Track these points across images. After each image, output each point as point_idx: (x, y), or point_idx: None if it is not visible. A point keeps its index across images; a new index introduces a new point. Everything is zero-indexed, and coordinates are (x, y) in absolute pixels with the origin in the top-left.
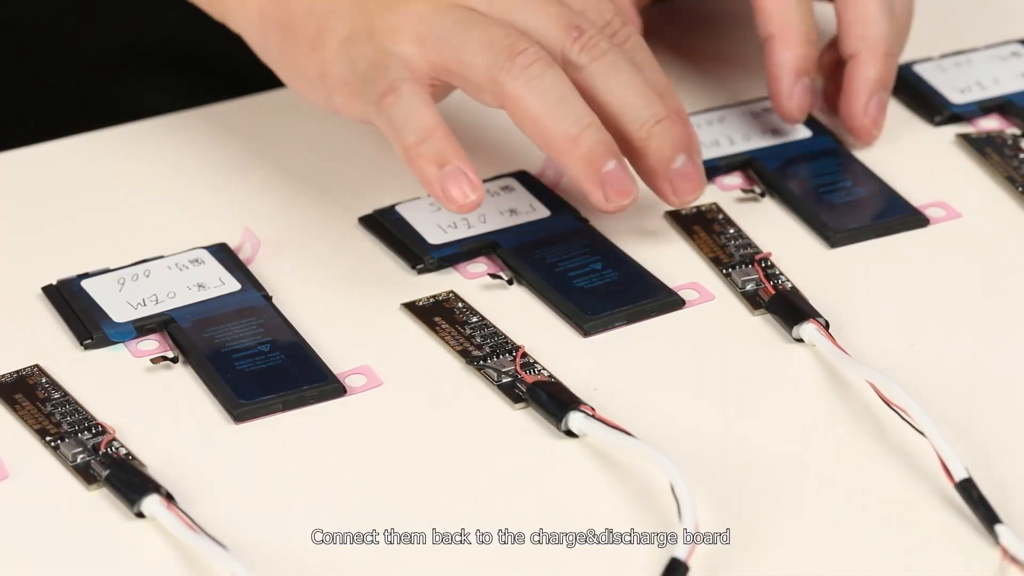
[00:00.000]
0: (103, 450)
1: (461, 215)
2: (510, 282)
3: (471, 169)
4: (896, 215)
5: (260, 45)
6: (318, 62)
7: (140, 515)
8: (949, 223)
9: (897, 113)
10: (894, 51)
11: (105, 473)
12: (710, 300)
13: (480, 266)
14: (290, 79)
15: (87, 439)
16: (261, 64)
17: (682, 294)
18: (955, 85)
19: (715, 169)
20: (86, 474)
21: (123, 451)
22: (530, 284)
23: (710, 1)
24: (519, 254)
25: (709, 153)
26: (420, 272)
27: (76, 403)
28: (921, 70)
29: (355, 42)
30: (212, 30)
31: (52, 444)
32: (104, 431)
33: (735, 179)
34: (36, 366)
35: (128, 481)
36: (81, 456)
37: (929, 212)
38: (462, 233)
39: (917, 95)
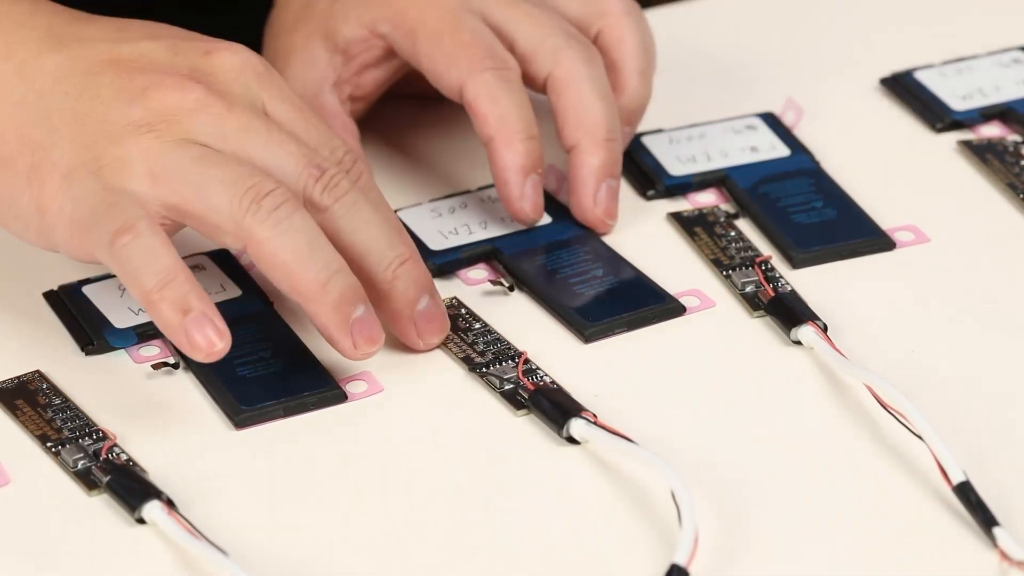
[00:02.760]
0: (104, 456)
1: (461, 223)
2: (511, 288)
3: (215, 314)
4: (862, 237)
5: None
6: (36, 197)
7: (141, 521)
8: (918, 246)
9: (899, 120)
10: (614, 135)
11: (106, 479)
12: (711, 307)
13: (481, 272)
14: (3, 215)
15: (88, 445)
16: None
17: (683, 300)
18: (956, 92)
19: (688, 186)
20: (87, 480)
21: (124, 457)
22: (531, 290)
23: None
24: (520, 260)
25: (685, 169)
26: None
27: (77, 409)
28: (922, 77)
29: (79, 176)
30: None
31: (53, 450)
32: (105, 437)
33: (709, 196)
34: (37, 372)
35: (129, 487)
36: (82, 462)
37: (899, 236)
38: (463, 239)
39: (918, 102)
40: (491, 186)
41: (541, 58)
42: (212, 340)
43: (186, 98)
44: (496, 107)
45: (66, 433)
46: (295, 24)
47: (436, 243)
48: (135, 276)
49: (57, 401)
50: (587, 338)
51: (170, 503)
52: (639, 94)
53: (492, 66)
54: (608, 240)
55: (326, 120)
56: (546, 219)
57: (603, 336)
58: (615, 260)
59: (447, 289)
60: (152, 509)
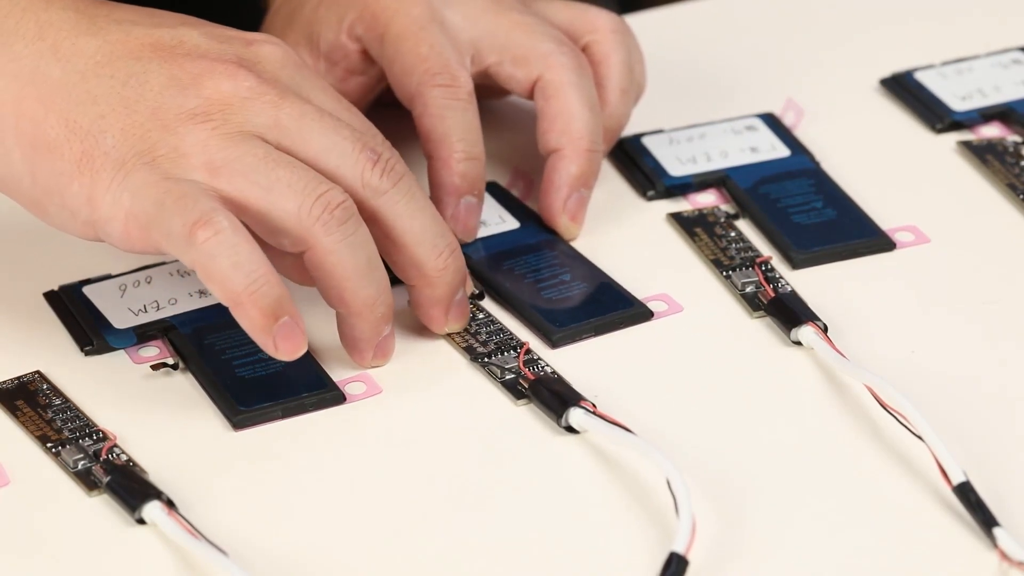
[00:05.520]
0: (104, 456)
1: None
2: (480, 296)
3: (300, 319)
4: (862, 238)
5: None
6: (87, 188)
7: (141, 521)
8: (918, 247)
9: (899, 120)
10: (596, 147)
11: (106, 479)
12: (678, 312)
13: None
14: (43, 204)
15: (88, 445)
16: None
17: (651, 305)
18: (956, 92)
19: (688, 186)
20: (87, 480)
21: (124, 457)
22: (499, 295)
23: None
24: (488, 265)
25: (685, 169)
26: (394, 284)
27: (77, 409)
28: (922, 77)
29: (133, 167)
30: None
31: (53, 450)
32: (105, 437)
33: (709, 196)
34: (37, 372)
35: (129, 487)
36: (82, 462)
37: (899, 236)
38: None
39: (918, 102)
40: None
41: (532, 62)
42: (298, 347)
43: (240, 86)
44: (439, 125)
45: (66, 433)
46: (283, 31)
47: None
48: (222, 273)
49: (57, 402)
50: (554, 343)
51: (170, 503)
52: (618, 112)
53: (441, 82)
54: (607, 241)
55: None
56: (515, 224)
57: (570, 341)
58: (583, 264)
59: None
60: (152, 509)
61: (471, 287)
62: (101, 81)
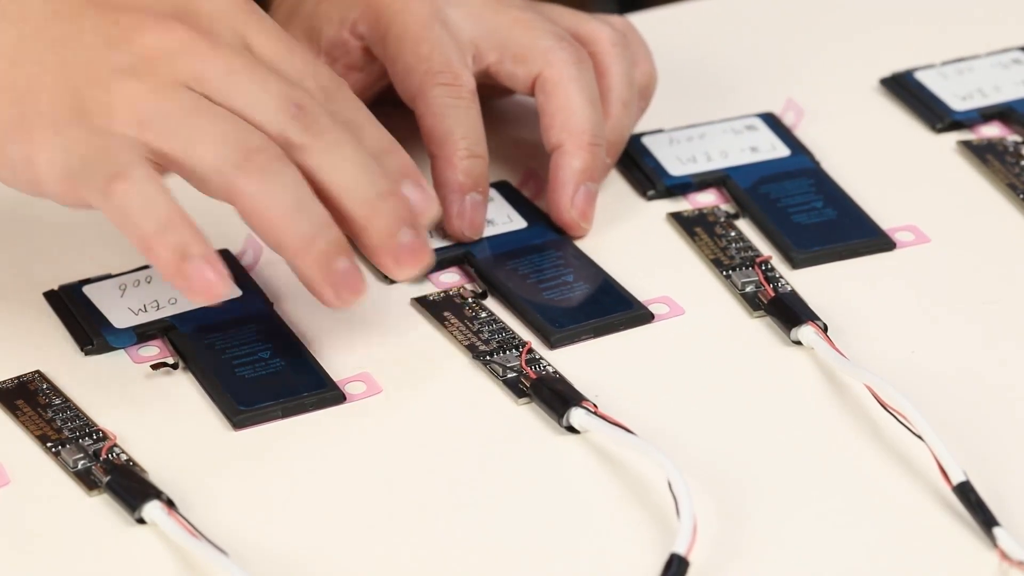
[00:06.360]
0: (104, 456)
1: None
2: (483, 295)
3: (216, 258)
4: (862, 238)
5: None
6: (24, 147)
7: (141, 521)
8: (918, 246)
9: (899, 120)
10: (599, 140)
11: (106, 479)
12: (679, 314)
13: (453, 276)
14: None
15: (88, 445)
16: None
17: (652, 308)
18: (956, 92)
19: (688, 186)
20: (87, 480)
21: (124, 457)
22: (500, 295)
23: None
24: (492, 265)
25: (685, 169)
26: (390, 283)
27: (77, 409)
28: (922, 77)
29: (65, 124)
30: None
31: (53, 450)
32: (105, 437)
33: (709, 196)
34: (37, 372)
35: (129, 487)
36: (82, 462)
37: (899, 236)
38: (437, 243)
39: (918, 102)
40: None
41: (532, 59)
42: (212, 282)
43: (170, 39)
44: (441, 123)
45: (66, 433)
46: (284, 26)
47: None
48: (133, 221)
49: (57, 401)
50: (552, 344)
51: (170, 503)
52: (621, 124)
53: (443, 81)
54: (608, 240)
55: None
56: (522, 223)
57: (569, 342)
58: (588, 266)
59: (420, 292)
60: (152, 509)
61: (429, 222)
62: (40, 43)
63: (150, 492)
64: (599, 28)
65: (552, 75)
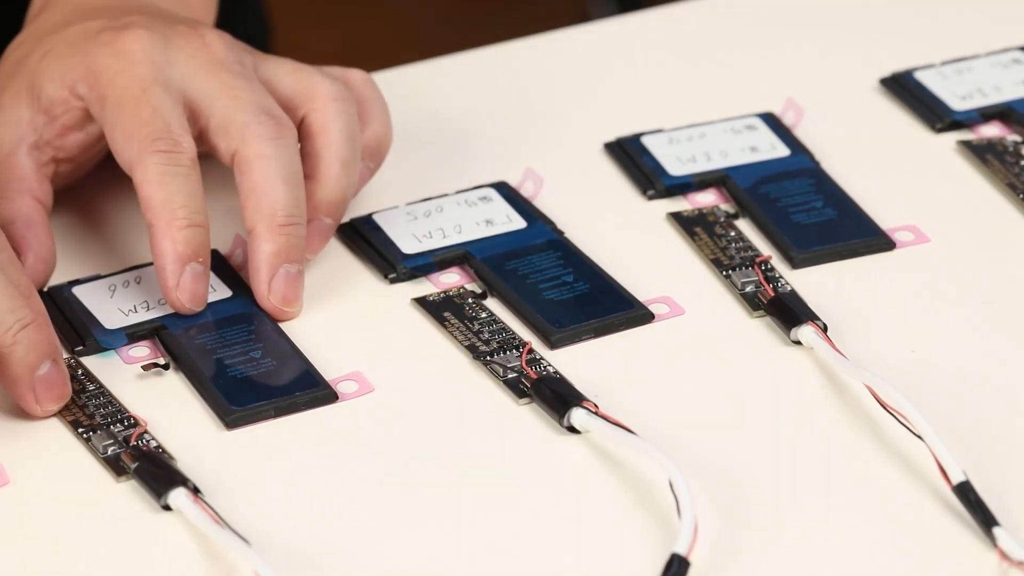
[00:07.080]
0: (134, 443)
1: (435, 227)
2: (484, 296)
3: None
4: (862, 238)
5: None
6: None
7: (167, 508)
8: (918, 246)
9: (899, 120)
10: (294, 219)
11: (133, 466)
12: (680, 314)
13: (453, 276)
14: None
15: (119, 432)
16: None
17: (652, 307)
18: (956, 92)
19: (688, 186)
20: (116, 466)
21: (154, 444)
22: (501, 295)
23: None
24: (491, 265)
25: (685, 169)
26: (392, 282)
27: (110, 395)
28: (922, 77)
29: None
30: None
31: (84, 436)
32: (136, 423)
33: (708, 196)
34: (73, 358)
35: (156, 474)
36: (112, 448)
37: (899, 236)
38: (436, 243)
39: (918, 102)
40: (469, 189)
41: (231, 134)
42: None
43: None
44: (159, 192)
45: (98, 419)
46: (8, 80)
47: (410, 247)
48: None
49: (91, 387)
50: (553, 344)
51: (196, 490)
52: (340, 184)
53: (162, 148)
54: (608, 240)
55: (15, 182)
56: (521, 224)
57: (570, 342)
58: (588, 266)
59: (420, 290)
60: (178, 496)
61: (58, 362)
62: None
63: (176, 479)
64: (319, 83)
65: (247, 153)
